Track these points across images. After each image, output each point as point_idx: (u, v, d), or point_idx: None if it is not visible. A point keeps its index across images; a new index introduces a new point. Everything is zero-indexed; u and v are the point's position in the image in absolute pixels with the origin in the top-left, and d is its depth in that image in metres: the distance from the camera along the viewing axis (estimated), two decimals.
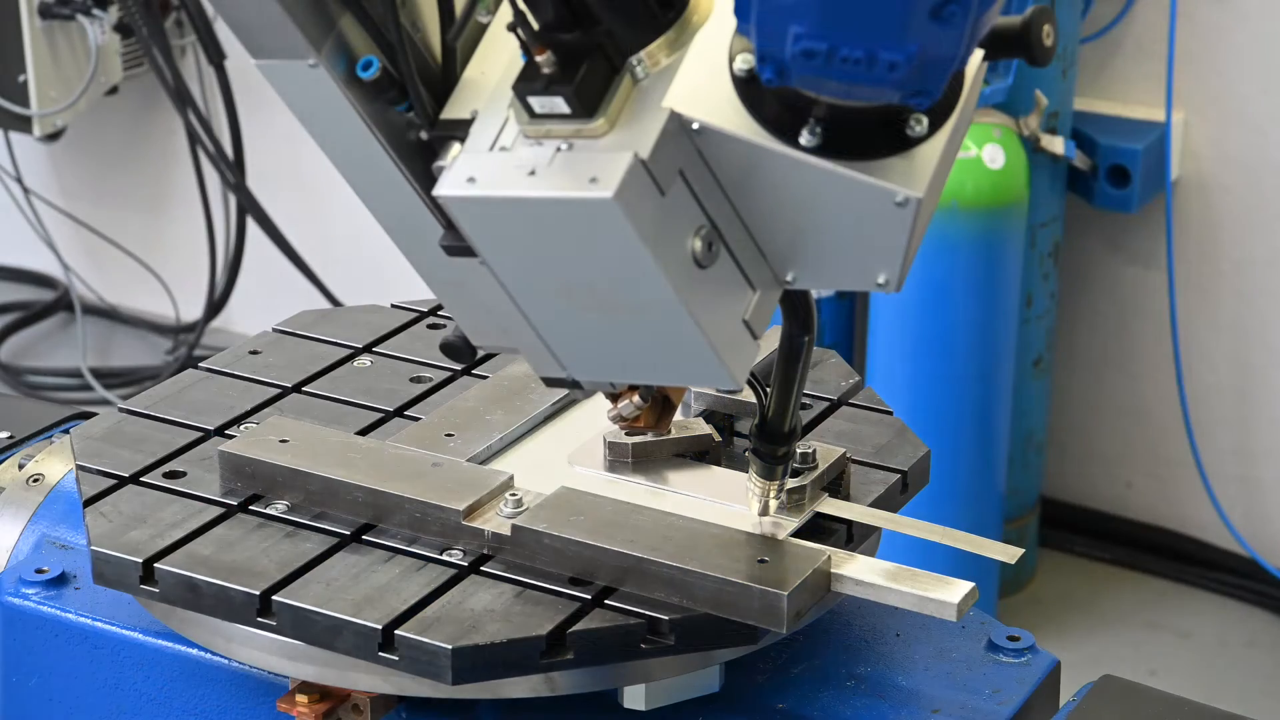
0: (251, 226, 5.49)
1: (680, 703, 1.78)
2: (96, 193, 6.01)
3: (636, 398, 1.74)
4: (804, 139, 1.50)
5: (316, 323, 2.27)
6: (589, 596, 1.72)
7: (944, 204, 4.06)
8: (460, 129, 1.60)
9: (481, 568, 1.77)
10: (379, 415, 2.06)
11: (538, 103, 1.53)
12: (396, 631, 1.67)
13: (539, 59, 1.52)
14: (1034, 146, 4.21)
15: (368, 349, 2.20)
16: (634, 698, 1.77)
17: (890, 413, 2.06)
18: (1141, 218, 4.55)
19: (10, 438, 2.27)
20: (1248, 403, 4.64)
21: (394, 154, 1.64)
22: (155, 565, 1.77)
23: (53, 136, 5.52)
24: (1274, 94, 4.42)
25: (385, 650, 1.68)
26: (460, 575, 1.76)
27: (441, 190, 1.56)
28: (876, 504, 1.87)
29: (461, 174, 1.55)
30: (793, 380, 1.72)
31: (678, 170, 1.53)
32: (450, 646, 1.65)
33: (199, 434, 2.02)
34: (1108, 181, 4.42)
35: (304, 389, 2.12)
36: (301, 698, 1.77)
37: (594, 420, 1.96)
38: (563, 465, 1.89)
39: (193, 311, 5.82)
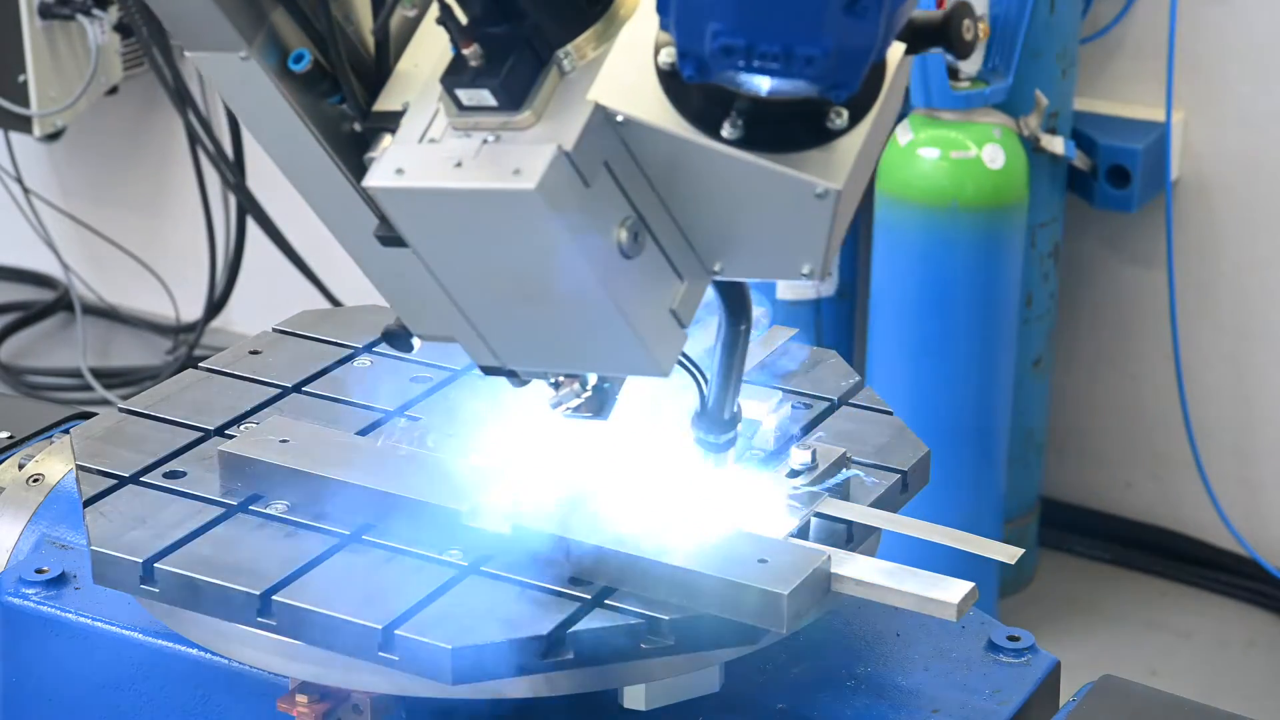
0: (251, 226, 5.49)
1: (680, 703, 1.78)
2: (96, 193, 6.01)
3: (576, 385, 1.75)
4: (726, 131, 1.52)
5: (316, 323, 2.27)
6: (589, 596, 1.72)
7: (944, 204, 4.07)
8: (392, 121, 1.62)
9: (481, 568, 1.77)
10: (379, 415, 2.06)
11: (465, 95, 1.54)
12: (396, 631, 1.67)
13: (466, 52, 1.54)
14: (1034, 146, 4.21)
15: (368, 349, 2.20)
16: (634, 698, 1.77)
17: (890, 413, 2.06)
18: (1141, 218, 4.55)
19: (10, 438, 2.27)
20: (1248, 403, 4.64)
21: (327, 146, 1.66)
22: (155, 565, 1.77)
23: (53, 136, 5.52)
24: (1274, 94, 4.42)
25: (385, 650, 1.68)
26: (460, 575, 1.76)
27: (370, 181, 1.58)
28: (876, 504, 1.87)
29: (390, 165, 1.57)
30: (731, 369, 1.74)
31: (602, 162, 1.54)
32: (450, 646, 1.65)
33: (199, 434, 2.02)
34: (1108, 181, 4.42)
35: (304, 389, 2.12)
36: (301, 698, 1.77)
37: (594, 420, 1.96)
38: (562, 465, 1.89)
39: (193, 311, 5.81)
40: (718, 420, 1.77)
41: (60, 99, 5.36)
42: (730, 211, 1.58)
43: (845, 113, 1.52)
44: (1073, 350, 4.78)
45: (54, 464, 2.15)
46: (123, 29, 5.42)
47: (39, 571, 1.99)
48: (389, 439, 1.98)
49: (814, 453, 1.84)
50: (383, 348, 2.20)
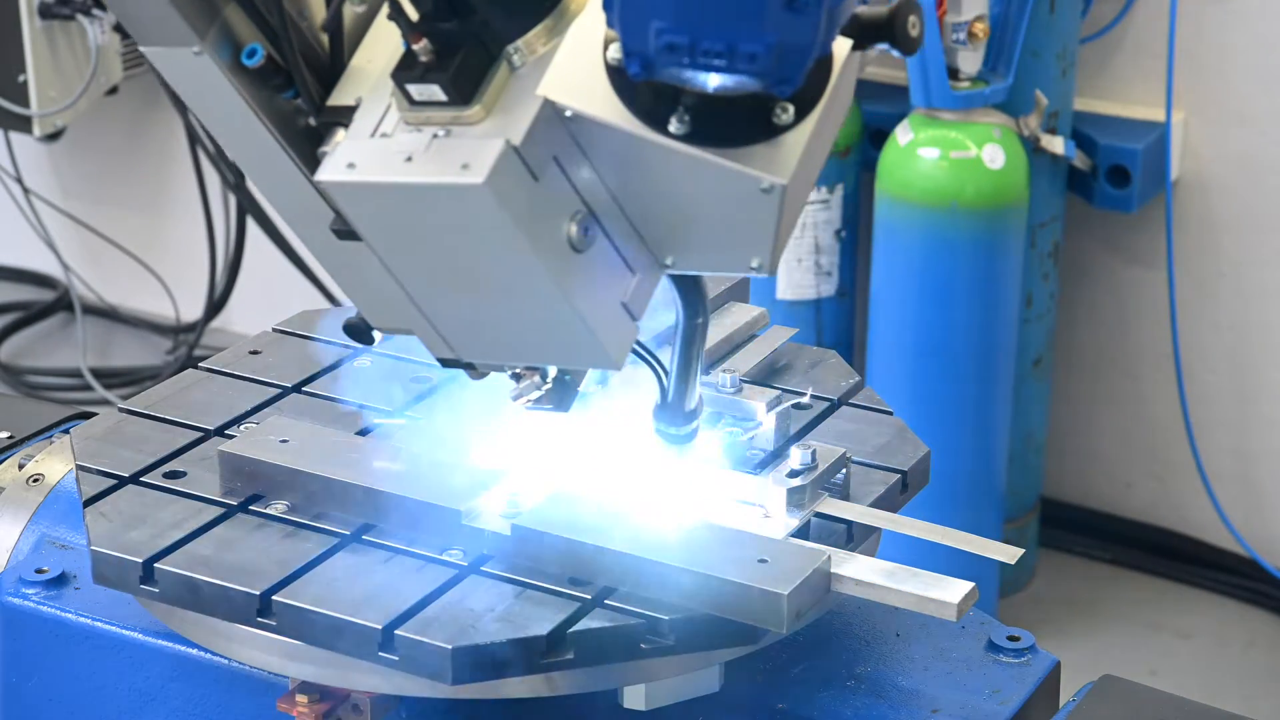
0: (251, 226, 5.49)
1: (680, 703, 1.78)
2: (96, 193, 6.01)
3: (537, 378, 1.76)
4: (673, 126, 1.54)
5: (316, 323, 2.27)
6: (589, 596, 1.72)
7: (944, 204, 4.07)
8: (345, 115, 1.64)
9: (481, 568, 1.77)
10: (379, 415, 2.05)
11: (416, 90, 1.56)
12: (396, 631, 1.67)
13: (416, 47, 1.55)
14: (1034, 146, 4.21)
15: (368, 349, 2.20)
16: (634, 698, 1.77)
17: (890, 413, 2.06)
18: (1141, 218, 4.55)
19: (10, 438, 2.27)
20: (1248, 403, 4.64)
21: (282, 140, 1.67)
22: (155, 565, 1.77)
23: (53, 136, 5.51)
24: (1274, 94, 4.42)
25: (385, 650, 1.68)
26: (460, 575, 1.76)
27: (322, 175, 1.59)
28: (876, 504, 1.87)
29: (342, 159, 1.58)
30: (690, 361, 1.76)
31: (552, 157, 1.56)
32: (450, 646, 1.65)
33: (199, 434, 2.02)
34: (1108, 181, 4.42)
35: (304, 389, 2.12)
36: (301, 698, 1.78)
37: (595, 419, 1.96)
38: (562, 465, 1.89)
39: (193, 311, 5.82)
40: (679, 412, 1.79)
41: (60, 99, 5.36)
42: (679, 206, 1.59)
43: (791, 108, 1.54)
44: (1073, 350, 4.78)
45: (54, 464, 2.15)
46: (123, 29, 5.41)
47: (39, 571, 1.99)
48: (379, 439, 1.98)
49: (814, 453, 1.84)
50: (383, 347, 2.20)
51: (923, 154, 4.09)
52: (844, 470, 1.86)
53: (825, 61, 1.55)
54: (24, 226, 5.88)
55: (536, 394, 1.76)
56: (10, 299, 6.13)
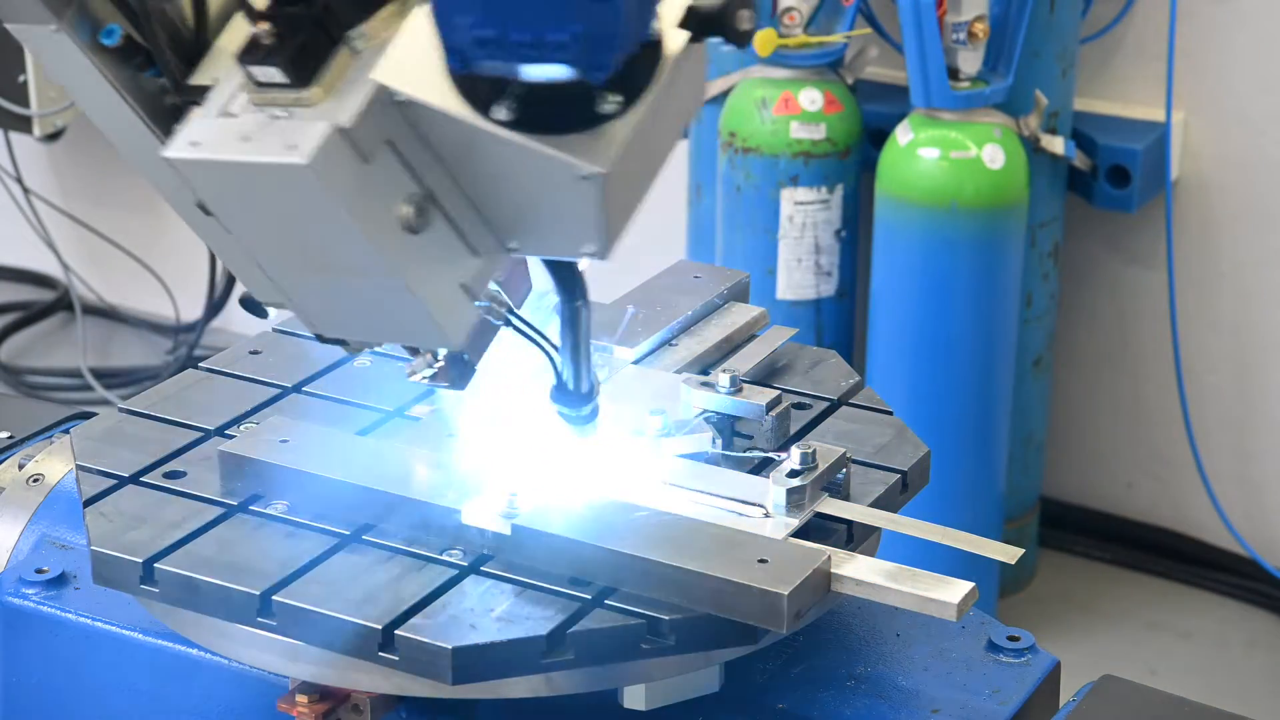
0: None
1: (680, 703, 1.78)
2: (96, 193, 6.01)
3: (429, 355, 1.78)
4: (499, 113, 1.56)
5: None
6: (589, 596, 1.72)
7: (944, 204, 4.07)
8: (204, 95, 1.65)
9: (481, 568, 1.77)
10: (379, 415, 2.05)
11: (258, 72, 1.58)
12: (396, 631, 1.68)
13: (257, 31, 1.58)
14: (1034, 146, 4.21)
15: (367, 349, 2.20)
16: (634, 698, 1.77)
17: (890, 413, 2.06)
18: (1141, 218, 4.55)
19: (10, 438, 2.27)
20: (1248, 403, 4.64)
21: (146, 118, 1.69)
22: (155, 565, 1.77)
23: (53, 136, 5.51)
24: (1274, 94, 4.42)
25: (385, 650, 1.68)
26: (460, 575, 1.76)
27: (167, 151, 1.61)
28: (876, 504, 1.87)
29: (187, 137, 1.61)
30: (578, 344, 1.78)
31: (385, 140, 1.58)
32: (450, 646, 1.65)
33: (199, 434, 2.02)
34: (1108, 181, 4.42)
35: (304, 389, 2.12)
36: (301, 698, 1.78)
37: (596, 420, 1.96)
38: (562, 465, 1.89)
39: (193, 311, 5.82)
40: (575, 394, 1.81)
41: (60, 99, 5.36)
42: (512, 192, 1.62)
43: (618, 98, 1.55)
44: (1073, 350, 4.78)
45: (54, 464, 2.15)
46: None
47: (39, 571, 1.99)
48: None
49: (814, 453, 1.84)
50: (383, 347, 2.20)
51: (923, 154, 4.09)
52: (844, 470, 1.86)
53: (655, 51, 1.57)
54: (24, 226, 5.88)
55: (429, 371, 1.77)
56: (10, 299, 6.13)
